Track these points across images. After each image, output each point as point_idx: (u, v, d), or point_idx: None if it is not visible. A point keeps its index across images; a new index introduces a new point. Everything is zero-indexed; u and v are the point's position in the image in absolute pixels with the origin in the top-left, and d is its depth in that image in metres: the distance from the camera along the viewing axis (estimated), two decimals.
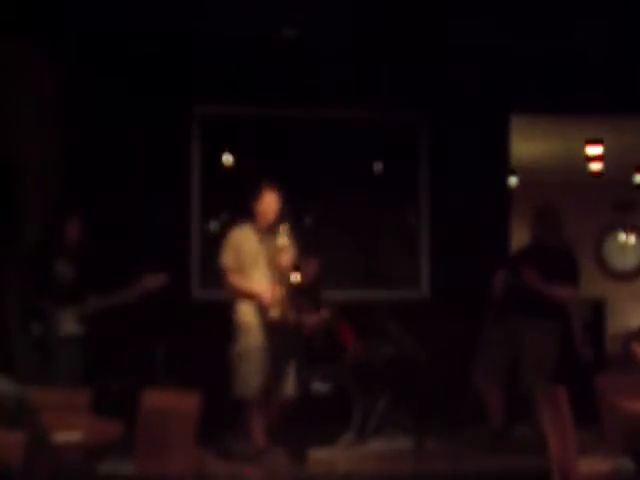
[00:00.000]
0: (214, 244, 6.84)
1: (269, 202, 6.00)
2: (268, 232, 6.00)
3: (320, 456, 6.04)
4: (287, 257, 5.92)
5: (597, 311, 8.76)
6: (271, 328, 5.90)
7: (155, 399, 4.96)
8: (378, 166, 7.69)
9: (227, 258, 5.98)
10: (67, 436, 4.16)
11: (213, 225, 7.42)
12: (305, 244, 6.20)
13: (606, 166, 9.49)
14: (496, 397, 6.48)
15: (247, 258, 5.97)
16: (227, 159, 7.48)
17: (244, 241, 6.00)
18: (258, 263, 5.98)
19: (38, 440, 3.77)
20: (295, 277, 5.94)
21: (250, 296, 5.93)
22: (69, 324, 5.95)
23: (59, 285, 5.99)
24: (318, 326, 6.54)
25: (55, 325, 5.90)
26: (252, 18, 6.64)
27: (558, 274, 6.35)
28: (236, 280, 5.96)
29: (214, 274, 6.31)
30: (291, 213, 6.18)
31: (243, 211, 6.21)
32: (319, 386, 6.37)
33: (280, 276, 5.95)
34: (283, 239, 5.93)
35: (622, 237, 11.81)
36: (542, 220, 6.53)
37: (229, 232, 6.08)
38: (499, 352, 6.44)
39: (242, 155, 7.47)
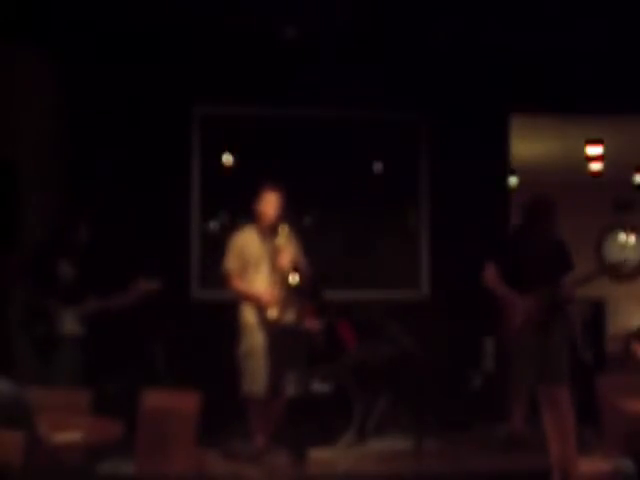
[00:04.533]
0: (214, 244, 6.86)
1: (270, 203, 6.02)
2: (270, 233, 6.02)
3: (320, 456, 6.04)
4: (285, 258, 5.94)
5: (597, 311, 8.75)
6: (271, 328, 5.92)
7: (155, 399, 4.96)
8: (378, 166, 7.69)
9: (230, 263, 6.02)
10: (67, 436, 4.16)
11: (213, 225, 7.42)
12: (305, 244, 6.20)
13: (606, 166, 9.49)
14: (523, 400, 6.38)
15: (250, 260, 6.00)
16: (227, 159, 7.48)
17: (247, 244, 6.03)
18: (260, 264, 6.00)
19: (36, 440, 3.77)
20: (293, 278, 5.94)
21: (251, 298, 5.96)
22: (70, 324, 5.96)
23: (61, 285, 6.01)
24: (319, 332, 6.53)
25: (58, 325, 5.92)
26: (252, 17, 6.65)
27: (552, 262, 6.29)
28: (238, 284, 6.00)
29: (214, 274, 6.32)
30: (291, 213, 6.18)
31: (243, 211, 6.22)
32: (319, 386, 6.36)
33: (279, 277, 5.97)
34: (282, 240, 5.95)
35: (622, 237, 11.81)
36: (537, 211, 6.42)
37: (232, 236, 6.11)
38: (530, 357, 6.30)
39: (242, 155, 7.47)
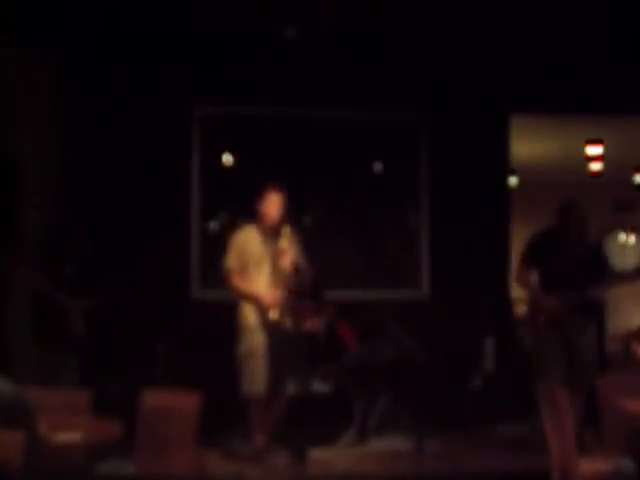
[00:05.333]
0: (214, 244, 6.86)
1: (273, 203, 6.01)
2: (272, 233, 6.01)
3: (320, 456, 6.04)
4: (287, 259, 5.93)
5: (597, 311, 8.74)
6: (271, 329, 5.92)
7: (155, 399, 4.96)
8: (378, 166, 7.69)
9: (231, 260, 6.00)
10: (67, 436, 4.16)
11: (213, 225, 7.42)
12: (305, 244, 6.19)
13: (606, 166, 9.49)
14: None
15: (251, 259, 5.99)
16: (227, 159, 7.48)
17: (249, 243, 6.02)
18: (262, 264, 5.99)
19: (36, 440, 3.77)
20: (294, 279, 5.94)
21: (251, 298, 5.95)
22: (72, 324, 5.98)
23: (65, 285, 6.03)
24: (319, 332, 6.53)
25: (66, 324, 5.95)
26: (252, 18, 6.65)
27: (587, 264, 6.23)
28: (238, 283, 5.98)
29: (214, 274, 6.32)
30: (291, 213, 6.18)
31: (243, 211, 6.21)
32: (319, 386, 6.36)
33: (280, 278, 5.96)
34: (284, 241, 5.94)
35: (622, 237, 11.81)
36: (565, 214, 6.37)
37: (234, 234, 6.09)
38: (557, 356, 6.25)
39: (242, 155, 7.47)
